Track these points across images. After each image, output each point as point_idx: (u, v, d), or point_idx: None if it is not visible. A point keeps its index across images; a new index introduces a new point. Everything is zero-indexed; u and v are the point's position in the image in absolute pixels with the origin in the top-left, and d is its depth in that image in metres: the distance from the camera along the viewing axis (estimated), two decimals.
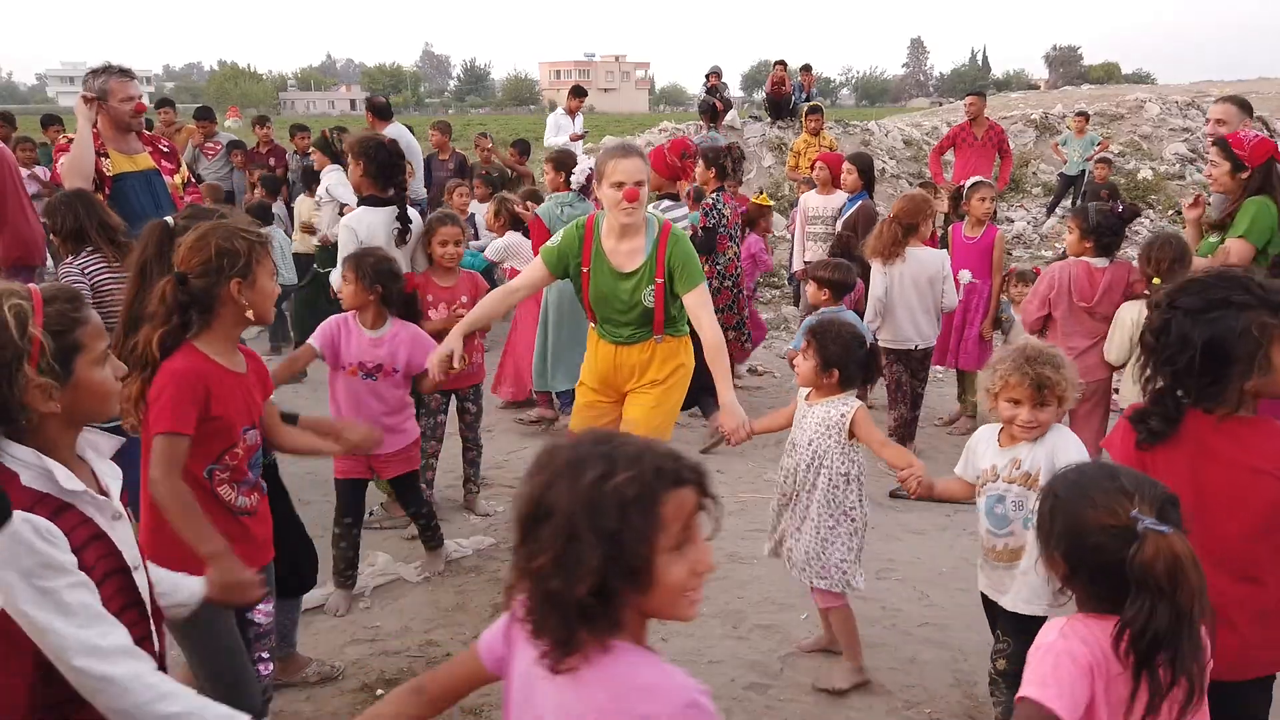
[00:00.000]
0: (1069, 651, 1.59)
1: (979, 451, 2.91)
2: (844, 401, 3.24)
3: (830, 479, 3.23)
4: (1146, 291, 4.10)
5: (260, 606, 2.77)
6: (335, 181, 7.09)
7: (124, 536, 1.75)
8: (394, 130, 8.88)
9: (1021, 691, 1.60)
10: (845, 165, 6.92)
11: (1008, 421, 2.79)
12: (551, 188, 6.08)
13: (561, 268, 3.79)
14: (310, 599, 3.82)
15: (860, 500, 3.28)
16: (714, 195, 6.17)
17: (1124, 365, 4.29)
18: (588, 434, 1.38)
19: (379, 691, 3.29)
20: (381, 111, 8.99)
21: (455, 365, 3.66)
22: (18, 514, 1.54)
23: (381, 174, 4.60)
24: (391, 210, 4.58)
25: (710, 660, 3.49)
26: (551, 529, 1.28)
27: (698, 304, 3.68)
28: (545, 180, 6.22)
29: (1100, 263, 4.50)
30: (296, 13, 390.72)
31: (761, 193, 7.21)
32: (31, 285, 1.70)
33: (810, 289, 5.16)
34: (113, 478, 1.80)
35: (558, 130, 10.75)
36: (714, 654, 3.53)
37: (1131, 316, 4.18)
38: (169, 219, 2.83)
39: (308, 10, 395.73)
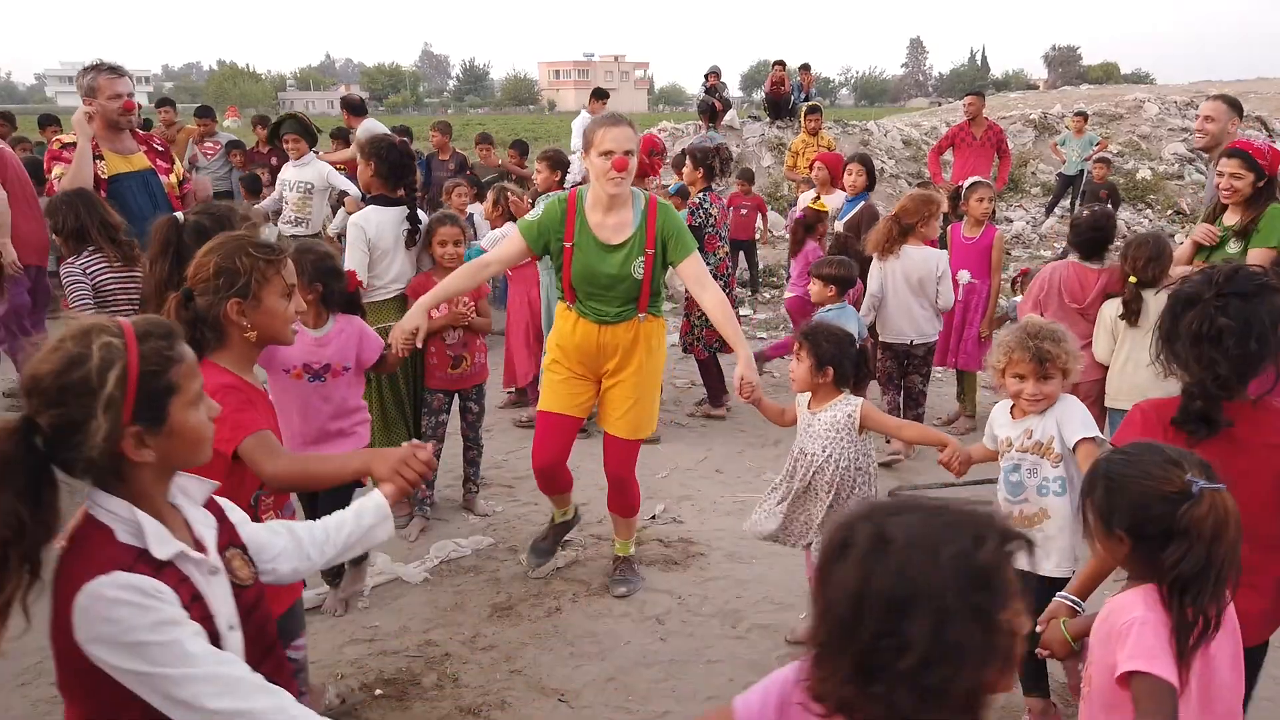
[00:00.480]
0: (1163, 621, 1.72)
1: (996, 423, 3.08)
2: (846, 402, 3.39)
3: (843, 475, 3.38)
4: (1125, 291, 4.13)
5: (295, 642, 2.70)
6: (329, 170, 7.06)
7: (221, 593, 1.63)
8: (369, 126, 9.02)
9: (1131, 666, 1.70)
10: (856, 167, 6.85)
11: (1014, 395, 2.94)
12: (544, 186, 6.07)
13: (541, 244, 3.66)
14: (307, 599, 3.82)
15: (871, 490, 3.44)
16: (701, 195, 6.25)
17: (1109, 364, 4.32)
18: (895, 505, 1.26)
19: (378, 691, 3.29)
20: (356, 108, 9.20)
21: (419, 344, 3.56)
22: (118, 577, 1.44)
23: (393, 174, 4.59)
24: (401, 210, 4.59)
25: (709, 660, 3.49)
26: (922, 618, 1.14)
27: (696, 271, 3.64)
28: (538, 179, 6.17)
29: (1095, 265, 4.53)
30: (295, 13, 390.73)
31: (818, 199, 7.20)
32: (123, 320, 1.55)
33: (815, 287, 5.19)
34: (206, 525, 1.68)
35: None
36: (713, 654, 3.53)
37: (1111, 314, 4.20)
38: (179, 214, 2.77)
39: (307, 10, 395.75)
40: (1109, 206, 5.06)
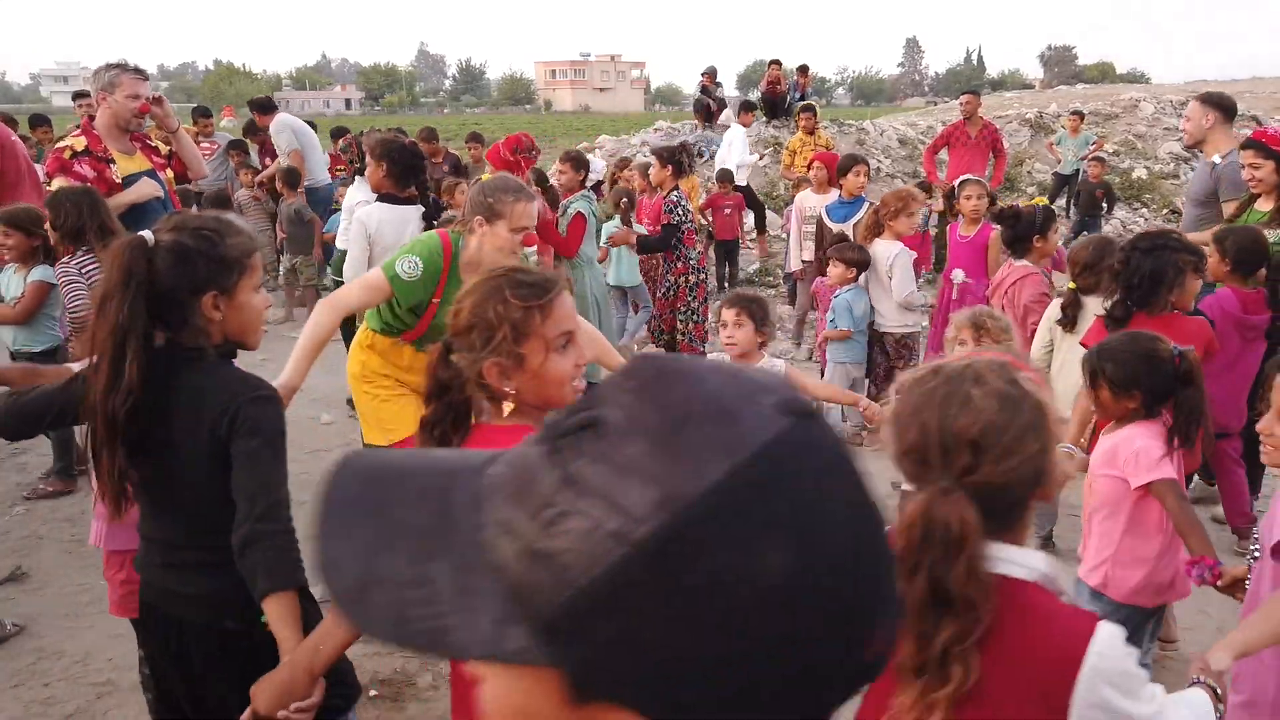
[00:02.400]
0: (1158, 445, 2.54)
1: None
2: (771, 364, 3.63)
3: None
4: (1064, 295, 4.13)
5: None
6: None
7: None
8: (281, 121, 9.36)
9: (1146, 479, 2.52)
10: (864, 168, 6.80)
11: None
12: (569, 187, 6.19)
13: (413, 301, 3.38)
14: None
15: None
16: (675, 193, 6.34)
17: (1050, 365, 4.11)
18: None
19: (372, 692, 3.28)
20: (264, 107, 9.84)
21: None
22: (1113, 628, 1.31)
23: (403, 174, 4.67)
24: (407, 210, 4.66)
25: None
26: None
27: None
28: (561, 180, 6.30)
29: (1013, 261, 4.85)
30: (292, 12, 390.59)
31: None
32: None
33: (836, 270, 5.50)
34: None
35: (748, 148, 11.03)
36: None
37: (1051, 314, 4.15)
38: (147, 234, 1.94)
39: (303, 10, 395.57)
40: (1024, 206, 5.17)
